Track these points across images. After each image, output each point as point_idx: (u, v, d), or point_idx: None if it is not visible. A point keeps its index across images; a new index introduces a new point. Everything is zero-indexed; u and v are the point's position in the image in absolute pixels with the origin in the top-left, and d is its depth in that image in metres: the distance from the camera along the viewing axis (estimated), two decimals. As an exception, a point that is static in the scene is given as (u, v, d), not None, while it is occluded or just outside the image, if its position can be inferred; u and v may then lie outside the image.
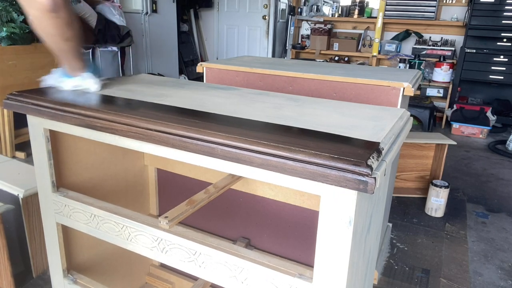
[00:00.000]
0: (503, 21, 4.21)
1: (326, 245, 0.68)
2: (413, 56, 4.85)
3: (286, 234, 1.28)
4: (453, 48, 4.76)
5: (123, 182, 1.35)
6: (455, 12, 4.78)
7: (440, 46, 4.83)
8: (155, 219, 0.89)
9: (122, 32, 3.61)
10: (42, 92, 0.98)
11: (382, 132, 0.74)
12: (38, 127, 0.99)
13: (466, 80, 4.54)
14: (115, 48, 3.63)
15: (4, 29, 2.60)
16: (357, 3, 5.47)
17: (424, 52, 4.81)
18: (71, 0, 1.15)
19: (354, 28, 5.50)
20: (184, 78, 5.40)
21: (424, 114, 4.22)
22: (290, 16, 5.63)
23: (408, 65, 4.78)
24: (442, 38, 4.91)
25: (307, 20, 5.80)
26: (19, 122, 2.81)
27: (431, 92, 4.73)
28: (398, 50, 5.05)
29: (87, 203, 0.98)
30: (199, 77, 4.29)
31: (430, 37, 4.97)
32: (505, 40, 4.26)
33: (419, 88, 4.26)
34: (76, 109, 0.87)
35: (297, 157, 0.63)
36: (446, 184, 2.35)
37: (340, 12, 5.96)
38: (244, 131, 0.72)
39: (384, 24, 5.00)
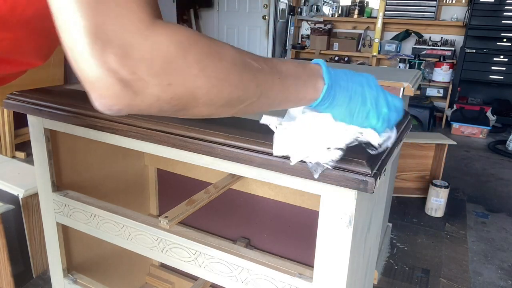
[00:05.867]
0: (503, 21, 4.21)
1: (326, 245, 0.68)
2: (413, 56, 4.85)
3: (286, 234, 1.28)
4: (453, 48, 4.76)
5: (123, 182, 1.35)
6: (455, 12, 4.78)
7: (440, 46, 4.83)
8: (155, 219, 0.89)
9: (122, 32, 3.61)
10: (42, 92, 0.98)
11: (382, 132, 0.74)
12: (38, 127, 0.99)
13: (466, 80, 4.54)
14: (115, 48, 3.63)
15: (4, 29, 2.60)
16: (357, 3, 5.47)
17: (424, 52, 4.81)
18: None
19: (354, 28, 5.50)
20: (184, 78, 5.39)
21: (424, 114, 4.22)
22: (290, 16, 5.63)
23: (408, 65, 4.78)
24: (442, 38, 4.91)
25: (307, 20, 5.80)
26: (19, 122, 2.81)
27: (431, 92, 4.73)
28: (398, 50, 5.05)
29: (87, 203, 0.98)
30: (199, 77, 4.28)
31: (430, 37, 4.97)
32: (505, 40, 4.26)
33: (419, 88, 4.25)
34: (77, 108, 0.87)
35: (297, 157, 0.63)
36: (446, 184, 2.35)
37: (340, 12, 5.96)
38: (244, 131, 0.72)
39: (384, 24, 5.00)
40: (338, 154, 0.56)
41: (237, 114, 0.48)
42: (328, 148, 0.56)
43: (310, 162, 0.57)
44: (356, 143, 0.58)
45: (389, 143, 0.60)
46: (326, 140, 0.55)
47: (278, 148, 0.58)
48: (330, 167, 0.57)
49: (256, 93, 0.46)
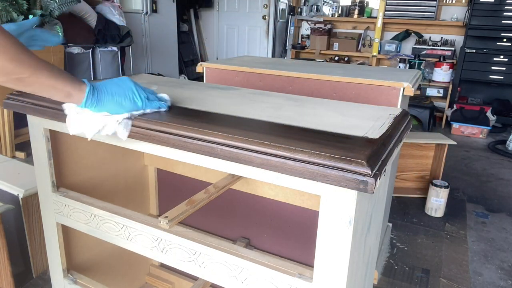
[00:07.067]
0: (503, 21, 4.21)
1: (326, 245, 0.68)
2: (413, 56, 4.85)
3: (286, 234, 1.28)
4: (453, 48, 4.76)
5: (123, 182, 1.35)
6: (455, 12, 4.78)
7: (440, 46, 4.83)
8: (155, 219, 0.89)
9: (122, 32, 3.61)
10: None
11: (382, 132, 0.74)
12: (38, 127, 0.99)
13: (466, 80, 4.54)
14: (115, 48, 3.64)
15: (4, 29, 2.60)
16: (357, 3, 5.47)
17: (424, 52, 4.81)
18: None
19: (354, 28, 5.50)
20: (184, 78, 5.40)
21: (424, 114, 4.22)
22: (290, 16, 5.63)
23: (408, 65, 4.78)
24: (442, 38, 4.91)
25: (307, 20, 5.80)
26: (19, 122, 2.81)
27: (431, 92, 4.73)
28: (398, 50, 5.05)
29: (87, 203, 0.98)
30: (199, 77, 4.29)
31: (430, 37, 4.97)
32: (505, 40, 4.26)
33: (419, 88, 4.26)
34: (76, 109, 0.86)
35: (297, 157, 0.63)
36: (446, 184, 2.35)
37: (340, 12, 5.96)
38: (244, 131, 0.72)
39: (384, 24, 5.00)
40: (124, 116, 0.78)
41: (14, 86, 0.67)
42: (117, 120, 0.77)
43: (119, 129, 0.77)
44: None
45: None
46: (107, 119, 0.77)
47: (73, 128, 0.79)
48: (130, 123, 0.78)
49: (27, 71, 0.65)
